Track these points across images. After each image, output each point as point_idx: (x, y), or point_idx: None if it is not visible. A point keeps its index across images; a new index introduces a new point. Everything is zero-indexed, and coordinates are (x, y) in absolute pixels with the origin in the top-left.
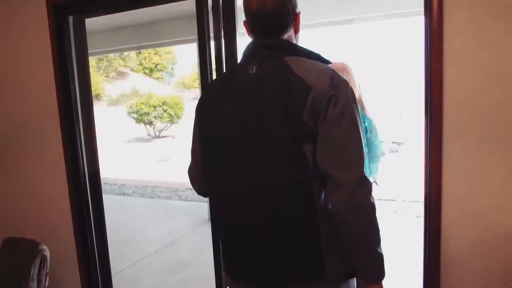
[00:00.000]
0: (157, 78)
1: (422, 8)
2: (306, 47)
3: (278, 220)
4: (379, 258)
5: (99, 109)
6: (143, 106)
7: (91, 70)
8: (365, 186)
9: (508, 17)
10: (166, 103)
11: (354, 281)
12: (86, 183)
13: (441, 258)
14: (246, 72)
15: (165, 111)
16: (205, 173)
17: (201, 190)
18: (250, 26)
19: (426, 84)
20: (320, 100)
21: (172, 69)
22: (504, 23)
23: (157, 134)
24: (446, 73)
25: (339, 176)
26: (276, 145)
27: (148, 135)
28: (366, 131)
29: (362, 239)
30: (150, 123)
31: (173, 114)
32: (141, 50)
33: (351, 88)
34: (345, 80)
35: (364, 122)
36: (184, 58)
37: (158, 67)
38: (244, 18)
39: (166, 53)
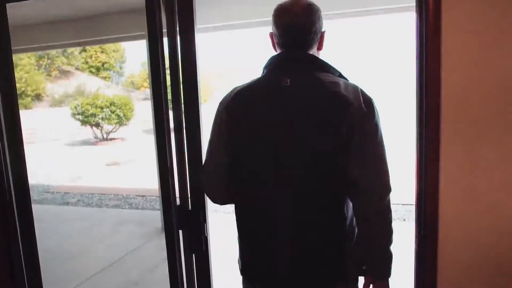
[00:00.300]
0: (105, 78)
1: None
2: (330, 64)
3: (312, 227)
4: (391, 257)
5: (39, 111)
6: (89, 107)
7: (30, 68)
8: (389, 194)
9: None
10: (114, 103)
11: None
12: (12, 193)
13: (438, 267)
14: (280, 83)
15: (113, 112)
16: (232, 179)
17: (220, 197)
18: (279, 38)
19: (421, 81)
20: (357, 115)
21: (120, 68)
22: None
23: (104, 136)
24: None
25: (372, 184)
26: (315, 154)
27: (95, 138)
28: None
29: (382, 240)
30: (97, 125)
31: (121, 115)
32: (86, 48)
33: (373, 101)
34: (370, 97)
35: None
36: (133, 56)
37: (105, 66)
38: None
39: (113, 51)
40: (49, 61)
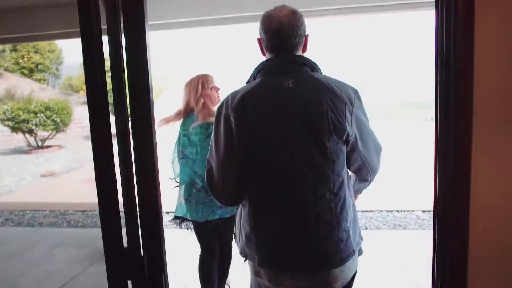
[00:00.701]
0: (39, 80)
1: None
2: (315, 63)
3: (322, 215)
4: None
5: None
6: (21, 112)
7: None
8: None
9: None
10: (50, 108)
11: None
12: None
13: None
14: (283, 85)
15: (48, 117)
16: (246, 176)
17: (228, 200)
18: (268, 43)
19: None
20: (354, 107)
21: (57, 70)
22: None
23: (39, 144)
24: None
25: (374, 164)
26: (327, 145)
27: (28, 146)
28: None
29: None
30: (31, 131)
31: (58, 121)
32: (17, 47)
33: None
34: (355, 88)
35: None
36: (71, 57)
37: (39, 67)
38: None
39: (49, 51)
40: None
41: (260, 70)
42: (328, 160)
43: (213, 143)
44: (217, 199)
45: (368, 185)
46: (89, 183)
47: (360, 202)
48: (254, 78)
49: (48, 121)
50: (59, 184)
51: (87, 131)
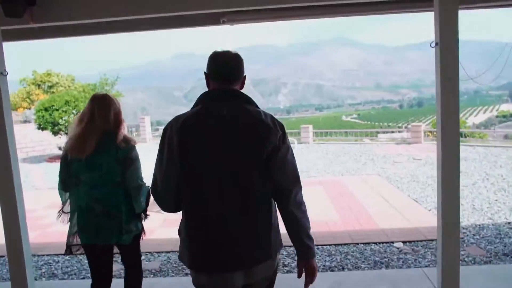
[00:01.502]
0: None
1: None
2: (249, 97)
3: (252, 219)
4: (312, 239)
5: None
6: None
7: None
8: (301, 191)
9: None
10: None
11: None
12: None
13: None
14: (220, 112)
15: None
16: (183, 187)
17: (169, 206)
18: (214, 75)
19: None
20: (276, 136)
21: None
22: None
23: None
24: None
25: (290, 187)
26: (247, 168)
27: None
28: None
29: (303, 226)
30: None
31: None
32: None
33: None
34: (281, 122)
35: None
36: (11, 72)
37: None
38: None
39: None
40: None
41: (202, 99)
42: (251, 177)
43: (158, 159)
44: (161, 207)
45: (299, 209)
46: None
47: (333, 235)
48: (197, 106)
49: None
50: None
51: (25, 152)
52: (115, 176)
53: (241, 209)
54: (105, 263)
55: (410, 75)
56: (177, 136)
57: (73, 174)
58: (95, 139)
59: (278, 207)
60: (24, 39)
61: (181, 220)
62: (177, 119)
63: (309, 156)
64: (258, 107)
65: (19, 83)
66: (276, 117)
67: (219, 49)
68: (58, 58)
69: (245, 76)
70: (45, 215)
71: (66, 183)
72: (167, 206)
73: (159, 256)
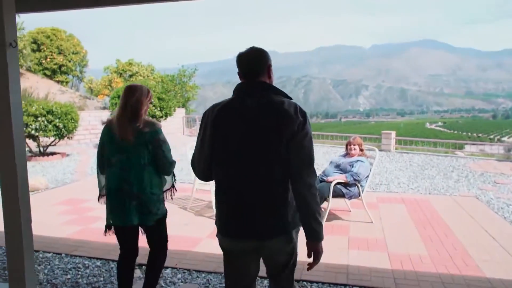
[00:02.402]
0: (61, 82)
1: None
2: (278, 88)
3: (269, 196)
4: (320, 222)
5: None
6: None
7: None
8: (314, 175)
9: None
10: (52, 112)
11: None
12: None
13: None
14: (247, 103)
15: (50, 122)
16: (213, 165)
17: (204, 177)
18: (240, 75)
19: None
20: (295, 124)
21: (81, 72)
22: None
23: (42, 150)
24: None
25: (303, 170)
26: (267, 150)
27: (30, 152)
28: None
29: (311, 208)
30: (33, 136)
31: (61, 126)
32: (41, 47)
33: (307, 114)
34: (304, 110)
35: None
36: (96, 60)
37: (62, 69)
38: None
39: (73, 53)
40: None
41: (235, 90)
42: (270, 160)
43: (197, 140)
44: (197, 177)
45: (299, 190)
46: (63, 205)
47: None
48: (232, 95)
49: (50, 126)
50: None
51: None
52: (141, 158)
53: (259, 187)
54: (132, 240)
55: (506, 83)
56: (211, 123)
57: (106, 156)
58: (122, 124)
59: (291, 188)
60: (37, 10)
61: (214, 190)
62: (213, 108)
63: (390, 167)
64: (285, 97)
65: (103, 70)
66: (354, 119)
67: (244, 49)
68: (147, 50)
69: (269, 65)
70: (96, 207)
71: (101, 165)
72: (201, 177)
73: (198, 277)
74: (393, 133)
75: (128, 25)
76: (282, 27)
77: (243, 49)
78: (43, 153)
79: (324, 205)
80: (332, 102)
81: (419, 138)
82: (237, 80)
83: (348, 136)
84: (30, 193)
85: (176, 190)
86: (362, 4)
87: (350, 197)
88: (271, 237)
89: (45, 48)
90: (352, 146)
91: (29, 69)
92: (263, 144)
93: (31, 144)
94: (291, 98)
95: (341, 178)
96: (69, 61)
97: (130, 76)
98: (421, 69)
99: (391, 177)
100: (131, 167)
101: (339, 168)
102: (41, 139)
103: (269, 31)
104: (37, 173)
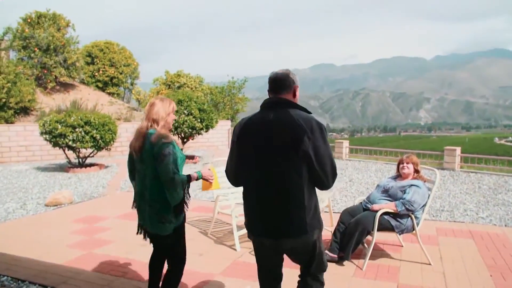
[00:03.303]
0: (113, 94)
1: None
2: (297, 103)
3: (287, 198)
4: None
5: (15, 128)
6: (58, 125)
7: (20, 77)
8: (336, 177)
9: None
10: (90, 123)
11: (319, 234)
12: None
13: None
14: (268, 117)
15: (87, 133)
16: (242, 172)
17: (236, 183)
18: (268, 90)
19: None
20: (311, 136)
21: (132, 84)
22: None
23: (81, 161)
24: None
25: (325, 176)
26: (287, 160)
27: (69, 163)
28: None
29: None
30: (71, 147)
31: (98, 137)
32: (95, 60)
33: (323, 126)
34: (322, 123)
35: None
36: (147, 73)
37: (114, 81)
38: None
39: (124, 65)
40: (45, 71)
41: (261, 105)
42: (286, 168)
43: (230, 150)
44: (229, 181)
45: (327, 191)
46: (78, 223)
47: None
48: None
49: (87, 137)
50: (48, 221)
51: None
52: (154, 169)
53: (276, 192)
54: (155, 242)
55: None
56: (238, 134)
57: (133, 165)
58: (141, 136)
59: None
60: None
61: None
62: (240, 122)
63: (454, 189)
64: (304, 112)
65: (152, 82)
66: (415, 134)
67: (277, 70)
68: (203, 61)
69: (296, 86)
70: (110, 227)
71: (131, 173)
72: (233, 183)
73: None
74: (458, 149)
75: (188, 35)
76: (339, 40)
77: (300, 62)
78: (82, 165)
79: (368, 238)
80: (391, 115)
81: (489, 155)
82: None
83: (403, 152)
84: (51, 208)
85: (187, 207)
86: (424, 14)
87: (401, 231)
88: (286, 237)
89: (98, 61)
90: (405, 165)
91: (82, 82)
92: (280, 153)
93: (71, 155)
94: (310, 113)
95: (390, 206)
96: (120, 73)
97: (178, 87)
98: (489, 81)
99: (455, 201)
100: (146, 177)
101: (387, 193)
102: (83, 150)
103: (326, 44)
104: (70, 185)
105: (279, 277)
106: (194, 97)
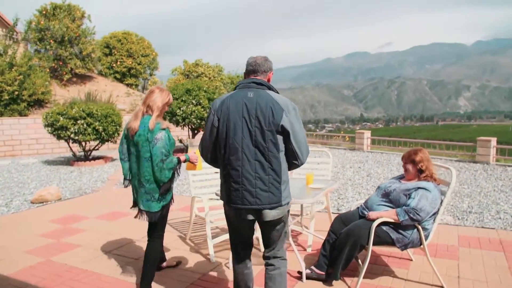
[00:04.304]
0: (131, 85)
1: None
2: (272, 86)
3: (267, 171)
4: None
5: (25, 121)
6: (60, 117)
7: (34, 70)
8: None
9: None
10: (92, 115)
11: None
12: None
13: None
14: (247, 95)
15: (89, 125)
16: (219, 146)
17: (213, 160)
18: (245, 72)
19: None
20: (288, 115)
21: (150, 75)
22: None
23: (86, 154)
24: None
25: (300, 152)
26: (266, 134)
27: (73, 156)
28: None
29: None
30: (75, 140)
31: (101, 130)
32: (112, 51)
33: (297, 108)
34: (294, 104)
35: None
36: (166, 62)
37: (132, 72)
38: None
39: (142, 56)
40: (60, 63)
41: (238, 85)
42: (266, 142)
43: (205, 126)
44: (203, 159)
45: (296, 167)
46: (54, 224)
47: None
48: (234, 90)
49: (89, 129)
50: (23, 221)
51: None
52: (146, 152)
53: (257, 165)
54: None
55: None
56: (217, 111)
57: (128, 147)
58: (138, 120)
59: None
60: None
61: (220, 170)
62: (220, 98)
63: (487, 186)
64: (277, 93)
65: (171, 72)
66: (453, 123)
67: (254, 55)
68: (236, 53)
69: (271, 72)
70: (86, 229)
71: (122, 154)
72: (206, 159)
73: None
74: (493, 140)
75: (221, 26)
76: (374, 28)
77: (333, 51)
78: (87, 158)
79: (362, 254)
80: (428, 104)
81: None
82: (327, 83)
83: (429, 143)
84: (35, 206)
85: (172, 181)
86: None
87: (404, 246)
88: (265, 208)
89: (116, 52)
90: (404, 165)
91: (100, 73)
92: (259, 130)
93: (76, 147)
94: (278, 93)
95: (390, 215)
96: (138, 64)
97: (196, 77)
98: None
99: (486, 201)
100: (139, 158)
101: (388, 198)
102: (88, 143)
103: (360, 33)
104: (69, 180)
105: (251, 245)
106: (203, 86)
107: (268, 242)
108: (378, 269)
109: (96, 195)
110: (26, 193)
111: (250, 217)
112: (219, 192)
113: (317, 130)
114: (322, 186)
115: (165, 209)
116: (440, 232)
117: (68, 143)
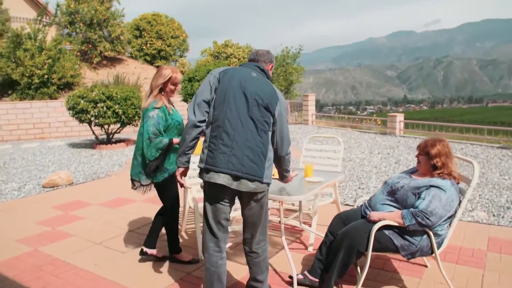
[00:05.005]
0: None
1: None
2: (270, 77)
3: (256, 144)
4: (289, 171)
5: (53, 104)
6: (80, 100)
7: (63, 53)
8: (289, 144)
9: None
10: (112, 98)
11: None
12: None
13: None
14: (251, 73)
15: (109, 108)
16: (212, 111)
17: (195, 116)
18: (249, 59)
19: None
20: (281, 104)
21: (181, 56)
22: None
23: (109, 138)
24: None
25: (284, 140)
26: (262, 111)
27: (96, 139)
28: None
29: (287, 164)
30: (97, 123)
31: (120, 113)
32: (143, 34)
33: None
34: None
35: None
36: (196, 44)
37: (161, 54)
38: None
39: (172, 37)
40: (90, 46)
41: (242, 64)
42: (261, 117)
43: (202, 84)
44: (189, 115)
45: (281, 155)
46: (55, 210)
47: None
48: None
49: (109, 112)
50: (26, 206)
51: None
52: (142, 128)
53: (247, 134)
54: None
55: None
56: (218, 76)
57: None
58: (146, 98)
59: (274, 153)
60: None
61: (205, 132)
62: (222, 68)
63: None
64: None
65: (200, 54)
66: (505, 104)
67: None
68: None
69: (272, 65)
70: (85, 216)
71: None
72: (194, 115)
73: None
74: None
75: (261, 8)
76: (420, 5)
77: (375, 31)
78: (109, 141)
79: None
80: (478, 85)
81: None
82: (369, 64)
83: (470, 127)
84: (45, 190)
85: (162, 162)
86: None
87: (411, 255)
88: (246, 178)
89: (146, 34)
90: (422, 157)
91: (131, 56)
92: (257, 105)
93: (99, 131)
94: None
95: (394, 217)
96: (168, 46)
97: (226, 58)
98: None
99: None
100: (139, 134)
101: (393, 196)
102: (110, 126)
103: (405, 10)
104: (87, 163)
105: (227, 228)
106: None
107: (249, 226)
108: (385, 276)
109: (108, 180)
110: (42, 176)
111: (228, 181)
112: (201, 165)
113: (358, 112)
114: (321, 180)
115: (163, 184)
116: (467, 232)
117: (90, 126)
